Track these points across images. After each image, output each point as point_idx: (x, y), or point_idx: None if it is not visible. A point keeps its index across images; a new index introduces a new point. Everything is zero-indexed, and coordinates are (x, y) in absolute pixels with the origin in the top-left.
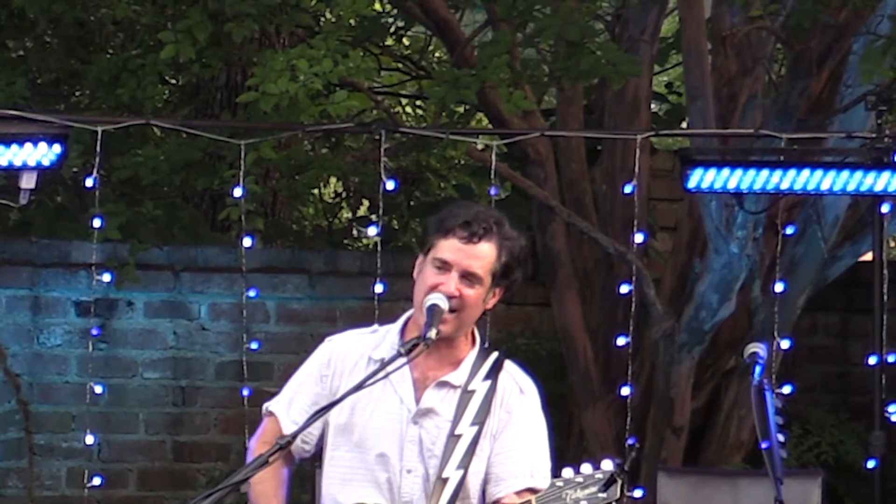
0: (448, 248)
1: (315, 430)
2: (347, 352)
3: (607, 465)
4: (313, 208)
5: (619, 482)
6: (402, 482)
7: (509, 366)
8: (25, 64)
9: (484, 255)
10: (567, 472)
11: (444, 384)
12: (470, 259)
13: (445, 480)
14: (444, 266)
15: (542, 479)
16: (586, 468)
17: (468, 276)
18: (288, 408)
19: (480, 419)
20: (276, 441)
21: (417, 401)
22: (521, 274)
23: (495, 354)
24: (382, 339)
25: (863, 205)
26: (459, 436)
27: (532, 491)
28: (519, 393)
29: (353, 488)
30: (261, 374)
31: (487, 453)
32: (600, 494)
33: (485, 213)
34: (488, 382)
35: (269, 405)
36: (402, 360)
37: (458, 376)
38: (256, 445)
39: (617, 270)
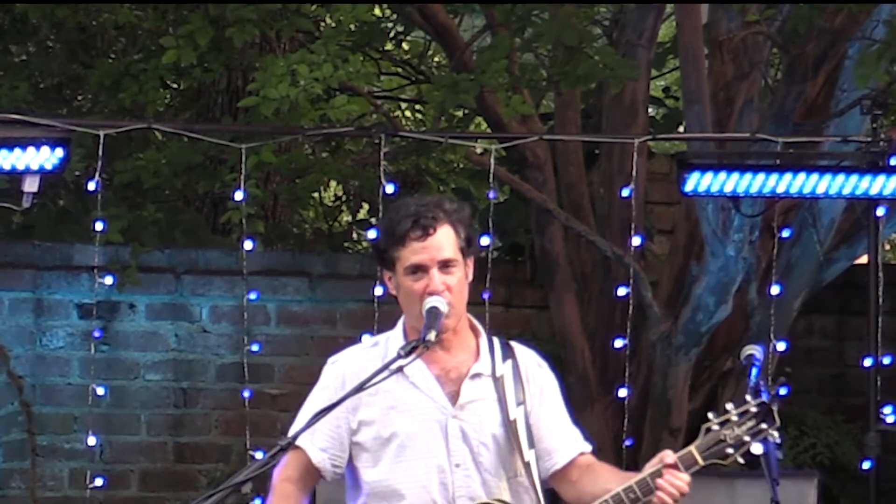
0: (412, 253)
1: (343, 452)
2: (357, 369)
3: (755, 398)
4: (314, 211)
5: (774, 408)
6: (454, 478)
7: (519, 345)
8: (28, 68)
9: (445, 238)
10: (712, 416)
11: (477, 375)
12: (437, 250)
13: (528, 464)
14: (419, 270)
15: (585, 443)
16: (730, 406)
17: (445, 265)
18: (311, 436)
19: (521, 399)
20: (278, 442)
21: (449, 395)
22: (476, 231)
23: (497, 339)
24: (386, 348)
25: (858, 208)
26: (514, 420)
27: (583, 454)
28: (539, 366)
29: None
30: (261, 375)
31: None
32: (762, 425)
33: (423, 206)
34: (510, 363)
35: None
36: (402, 361)
37: (483, 365)
38: (277, 482)
39: (614, 273)
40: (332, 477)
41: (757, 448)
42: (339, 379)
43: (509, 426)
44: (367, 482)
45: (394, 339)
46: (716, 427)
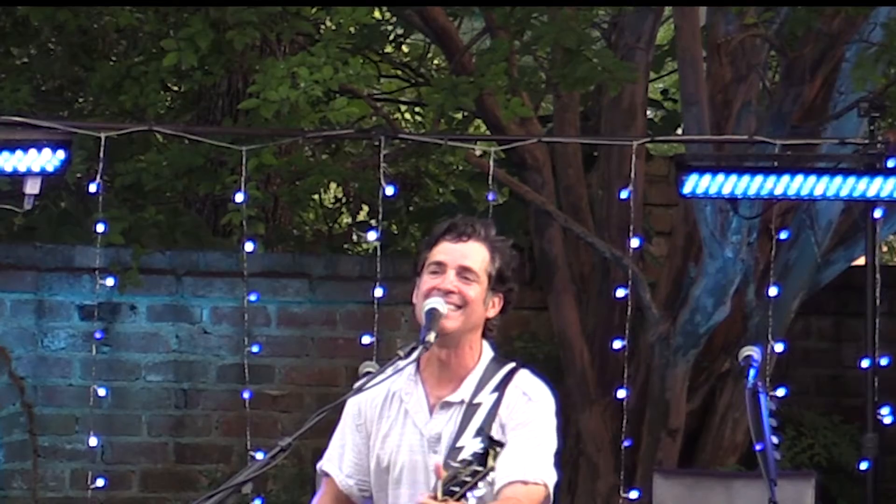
0: (440, 251)
1: (368, 476)
2: (372, 395)
3: (475, 444)
4: (314, 213)
5: (492, 453)
6: None
7: (521, 376)
8: (30, 71)
9: (476, 252)
10: (464, 453)
11: (447, 405)
12: (463, 256)
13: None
14: (439, 268)
15: (533, 473)
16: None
17: (464, 273)
18: (339, 463)
19: (484, 431)
20: (278, 442)
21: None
22: (517, 284)
23: (510, 366)
24: (402, 372)
25: (856, 210)
26: (461, 448)
27: (523, 483)
28: (526, 401)
29: None
30: (262, 376)
31: None
32: (477, 467)
33: (470, 218)
34: (496, 395)
35: (322, 466)
36: (400, 363)
37: (459, 393)
38: None
39: (613, 275)
40: (360, 501)
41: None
42: (356, 406)
43: (451, 453)
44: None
45: (410, 365)
46: (455, 465)
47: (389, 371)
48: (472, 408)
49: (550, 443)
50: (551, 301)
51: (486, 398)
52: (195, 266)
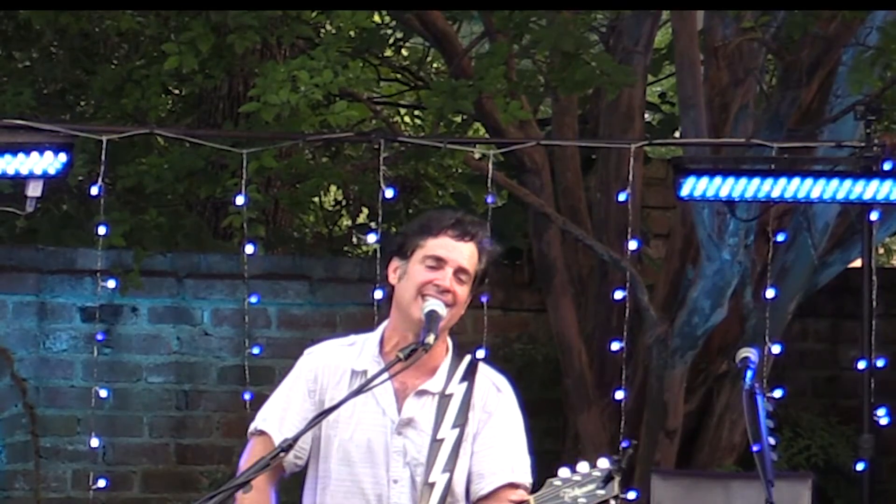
0: (441, 245)
1: (305, 444)
2: (330, 365)
3: (604, 463)
4: (314, 216)
5: (616, 479)
6: (389, 493)
7: (483, 367)
8: (32, 74)
9: (472, 254)
10: (563, 472)
11: (423, 392)
12: (463, 256)
13: (432, 485)
14: (437, 263)
15: (523, 475)
16: (583, 467)
17: (460, 273)
18: (280, 425)
19: (461, 421)
20: (277, 445)
21: (399, 411)
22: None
23: (468, 357)
24: (361, 350)
25: (852, 212)
26: (441, 440)
27: (513, 486)
28: (496, 392)
29: (340, 501)
30: (262, 378)
31: (469, 453)
32: (598, 491)
33: (473, 218)
34: (465, 384)
35: (257, 425)
36: (399, 365)
37: (435, 383)
38: (245, 467)
39: (611, 277)
40: (292, 469)
41: None
42: (312, 372)
43: (433, 445)
44: (317, 475)
45: (370, 342)
46: (557, 483)
47: (390, 373)
48: (444, 399)
49: (524, 437)
50: (550, 303)
51: (456, 388)
52: (196, 268)
